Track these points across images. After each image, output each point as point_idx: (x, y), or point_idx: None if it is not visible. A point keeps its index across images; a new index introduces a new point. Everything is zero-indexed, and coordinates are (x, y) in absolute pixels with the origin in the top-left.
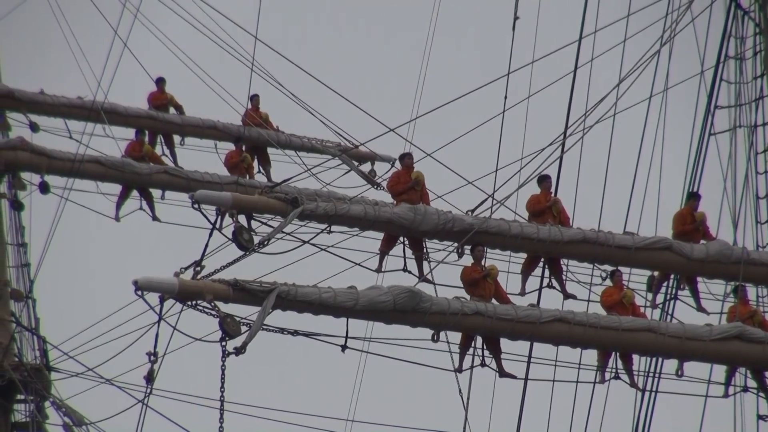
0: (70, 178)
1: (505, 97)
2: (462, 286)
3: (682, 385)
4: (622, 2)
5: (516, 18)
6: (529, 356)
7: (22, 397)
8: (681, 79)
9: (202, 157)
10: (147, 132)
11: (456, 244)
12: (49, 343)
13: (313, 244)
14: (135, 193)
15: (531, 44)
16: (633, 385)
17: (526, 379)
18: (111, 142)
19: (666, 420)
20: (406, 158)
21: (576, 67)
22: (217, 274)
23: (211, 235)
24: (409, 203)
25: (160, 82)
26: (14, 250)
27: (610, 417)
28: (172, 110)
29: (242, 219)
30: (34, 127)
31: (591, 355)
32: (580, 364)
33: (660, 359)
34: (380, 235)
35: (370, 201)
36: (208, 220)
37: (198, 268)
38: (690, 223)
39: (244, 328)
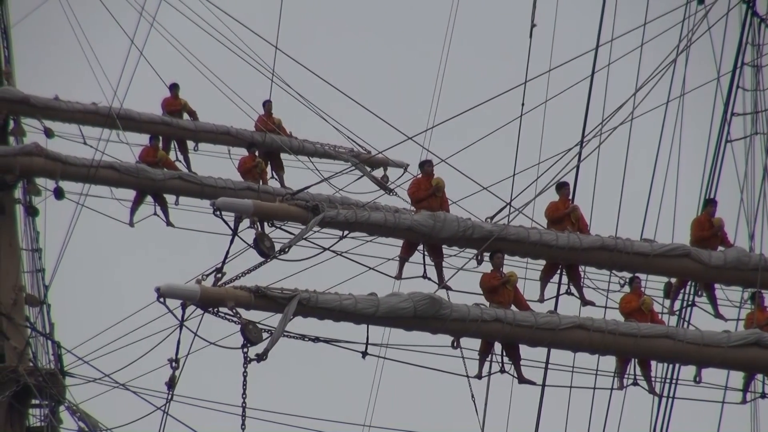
0: (84, 183)
1: (522, 104)
2: (481, 293)
3: (700, 392)
4: (639, 9)
5: (533, 25)
6: (547, 362)
7: (37, 401)
8: (697, 85)
9: (215, 163)
10: (161, 138)
11: (476, 251)
12: (63, 347)
13: (335, 251)
14: (149, 198)
15: (548, 50)
16: (651, 391)
17: (543, 385)
18: (125, 148)
19: (683, 426)
20: (426, 165)
21: (593, 75)
22: (236, 281)
23: (232, 241)
24: (429, 210)
25: (173, 88)
26: (29, 256)
27: (627, 423)
28: (185, 116)
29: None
30: (48, 133)
31: (608, 362)
32: (597, 370)
33: (678, 366)
34: (394, 241)
35: (390, 208)
36: (230, 227)
37: (219, 275)
38: (708, 229)
39: (265, 335)
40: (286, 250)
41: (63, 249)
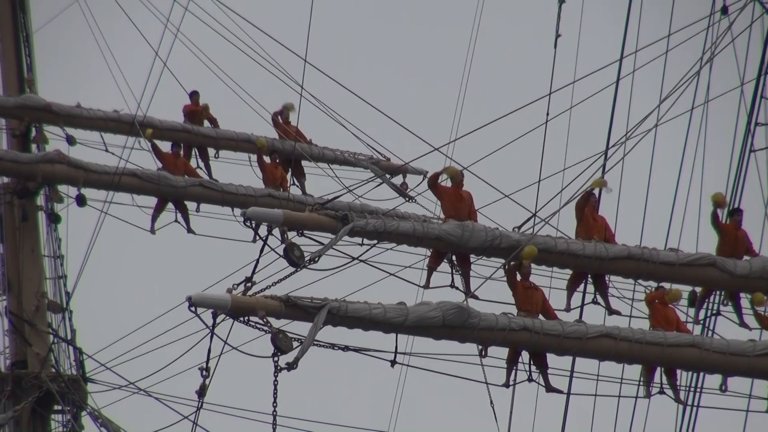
0: (106, 190)
1: (547, 114)
2: (508, 302)
3: (724, 400)
4: (663, 18)
5: (558, 35)
6: (572, 371)
7: (59, 407)
8: (720, 94)
9: (236, 170)
10: (182, 145)
11: (503, 261)
12: (85, 353)
13: (364, 261)
14: (170, 205)
15: (572, 59)
16: (677, 400)
17: (568, 393)
18: (147, 155)
19: None
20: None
21: (617, 84)
22: (261, 290)
23: (262, 251)
24: (458, 219)
25: (194, 94)
26: (51, 262)
27: None
28: (206, 123)
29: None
30: (70, 141)
31: (633, 370)
32: (622, 378)
33: (703, 374)
34: (418, 249)
35: (418, 217)
36: (260, 237)
37: (249, 284)
38: (733, 239)
39: (295, 344)
40: (316, 259)
41: (87, 256)
